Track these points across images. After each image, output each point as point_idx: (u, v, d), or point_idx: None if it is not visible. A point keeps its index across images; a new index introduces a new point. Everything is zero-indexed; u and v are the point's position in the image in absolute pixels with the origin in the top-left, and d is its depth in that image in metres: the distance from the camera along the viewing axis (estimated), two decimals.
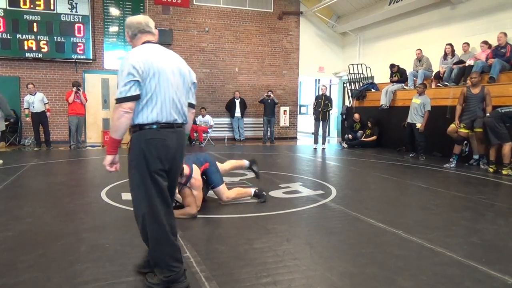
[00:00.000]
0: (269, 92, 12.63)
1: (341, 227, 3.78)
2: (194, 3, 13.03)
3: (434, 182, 6.13)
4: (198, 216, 4.07)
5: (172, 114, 2.35)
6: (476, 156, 7.87)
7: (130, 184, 2.41)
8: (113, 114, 2.26)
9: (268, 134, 12.76)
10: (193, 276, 2.63)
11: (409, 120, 8.97)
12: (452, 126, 7.81)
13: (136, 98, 2.24)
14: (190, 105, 2.59)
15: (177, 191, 4.07)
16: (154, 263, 2.40)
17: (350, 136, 11.61)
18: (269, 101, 12.48)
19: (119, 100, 2.22)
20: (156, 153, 2.30)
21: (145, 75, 2.26)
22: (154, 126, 2.30)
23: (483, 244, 3.34)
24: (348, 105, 13.14)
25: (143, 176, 2.31)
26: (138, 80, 2.23)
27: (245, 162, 5.01)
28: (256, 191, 4.75)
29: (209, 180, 4.49)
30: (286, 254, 3.04)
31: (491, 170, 7.01)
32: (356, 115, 11.86)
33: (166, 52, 2.44)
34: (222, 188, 4.53)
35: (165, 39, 12.57)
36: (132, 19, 2.49)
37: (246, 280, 2.59)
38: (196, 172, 4.22)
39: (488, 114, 7.01)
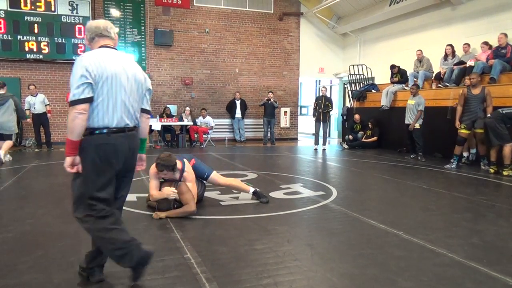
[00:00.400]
0: (269, 94, 12.64)
1: (341, 228, 3.77)
2: (195, 4, 13.05)
3: (435, 183, 6.12)
4: (199, 217, 4.07)
5: (124, 118, 2.38)
6: (473, 150, 8.01)
7: (72, 184, 2.44)
8: (68, 116, 2.28)
9: (269, 135, 12.76)
10: (194, 277, 2.63)
11: (406, 122, 9.00)
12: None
13: (89, 101, 2.27)
14: (145, 111, 2.61)
15: (168, 190, 4.02)
16: (116, 260, 2.44)
17: (350, 137, 11.61)
18: (269, 102, 12.49)
19: (73, 102, 2.23)
20: (105, 158, 2.33)
21: (97, 79, 2.28)
22: (104, 131, 2.32)
23: (484, 245, 3.34)
24: (349, 106, 13.14)
25: (95, 182, 2.35)
26: (91, 83, 2.26)
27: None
28: (257, 190, 4.77)
29: (200, 173, 4.55)
30: (287, 255, 3.04)
31: (492, 171, 7.00)
32: (357, 116, 11.85)
33: (122, 57, 2.46)
34: (215, 174, 4.65)
35: (166, 40, 12.60)
36: (91, 23, 2.52)
37: (246, 281, 2.59)
38: (188, 166, 4.29)
39: (489, 115, 7.01)
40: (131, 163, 2.50)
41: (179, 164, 4.16)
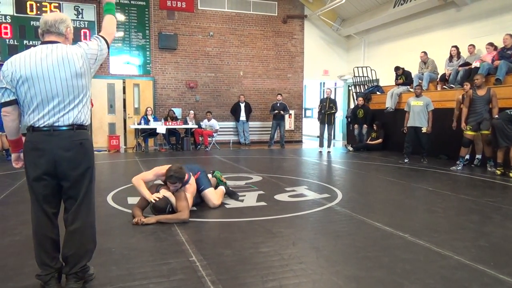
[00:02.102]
0: (278, 96, 12.61)
1: (347, 231, 3.76)
2: (199, 7, 13.10)
3: (440, 185, 6.08)
4: (204, 220, 4.08)
5: (49, 118, 2.33)
6: (479, 156, 7.84)
7: None
8: None
9: (275, 137, 12.68)
10: (199, 280, 2.64)
11: (413, 124, 8.65)
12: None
13: (11, 103, 2.35)
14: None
15: (152, 197, 3.98)
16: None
17: (356, 128, 11.60)
18: (278, 104, 12.43)
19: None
20: (30, 156, 2.37)
21: (14, 83, 2.32)
22: (30, 130, 2.37)
23: (491, 247, 3.31)
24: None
25: (27, 179, 2.43)
26: (7, 87, 2.33)
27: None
28: (229, 188, 5.10)
29: (199, 183, 4.56)
30: (292, 258, 3.03)
31: (498, 172, 6.96)
32: (360, 99, 11.79)
33: (51, 52, 2.35)
34: (210, 192, 4.61)
35: (170, 44, 12.65)
36: (43, 17, 2.50)
37: (252, 284, 2.59)
38: (192, 179, 4.34)
39: (496, 116, 6.96)
40: (66, 165, 2.37)
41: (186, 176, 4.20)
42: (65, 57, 2.35)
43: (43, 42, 2.44)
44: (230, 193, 5.04)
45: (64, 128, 2.36)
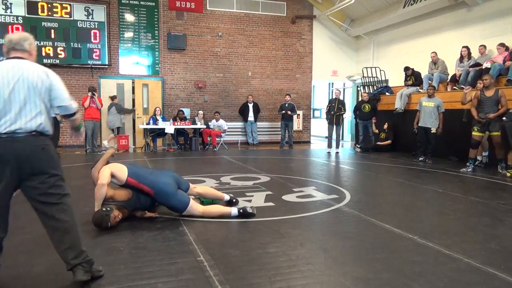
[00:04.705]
0: (287, 97, 12.59)
1: (355, 232, 3.74)
2: (208, 8, 13.14)
3: (450, 186, 6.02)
4: (212, 220, 4.06)
5: (10, 126, 2.43)
6: (485, 154, 7.81)
7: None
8: None
9: (287, 138, 12.68)
10: (207, 280, 2.64)
11: (423, 125, 8.69)
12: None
13: None
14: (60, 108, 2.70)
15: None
16: None
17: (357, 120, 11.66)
18: (286, 105, 12.42)
19: None
20: None
21: None
22: None
23: (502, 250, 3.27)
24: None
25: None
26: None
27: (226, 196, 4.47)
28: (241, 211, 4.10)
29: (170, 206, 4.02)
30: (300, 259, 3.02)
31: (508, 174, 6.87)
32: (365, 95, 11.70)
33: (15, 67, 2.50)
34: (193, 205, 4.01)
35: (179, 44, 12.72)
36: (8, 37, 2.64)
37: (259, 285, 2.59)
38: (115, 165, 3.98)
39: (504, 118, 6.86)
40: (31, 167, 2.53)
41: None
42: (25, 71, 2.51)
43: (8, 58, 2.59)
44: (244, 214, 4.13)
45: (25, 134, 2.49)
